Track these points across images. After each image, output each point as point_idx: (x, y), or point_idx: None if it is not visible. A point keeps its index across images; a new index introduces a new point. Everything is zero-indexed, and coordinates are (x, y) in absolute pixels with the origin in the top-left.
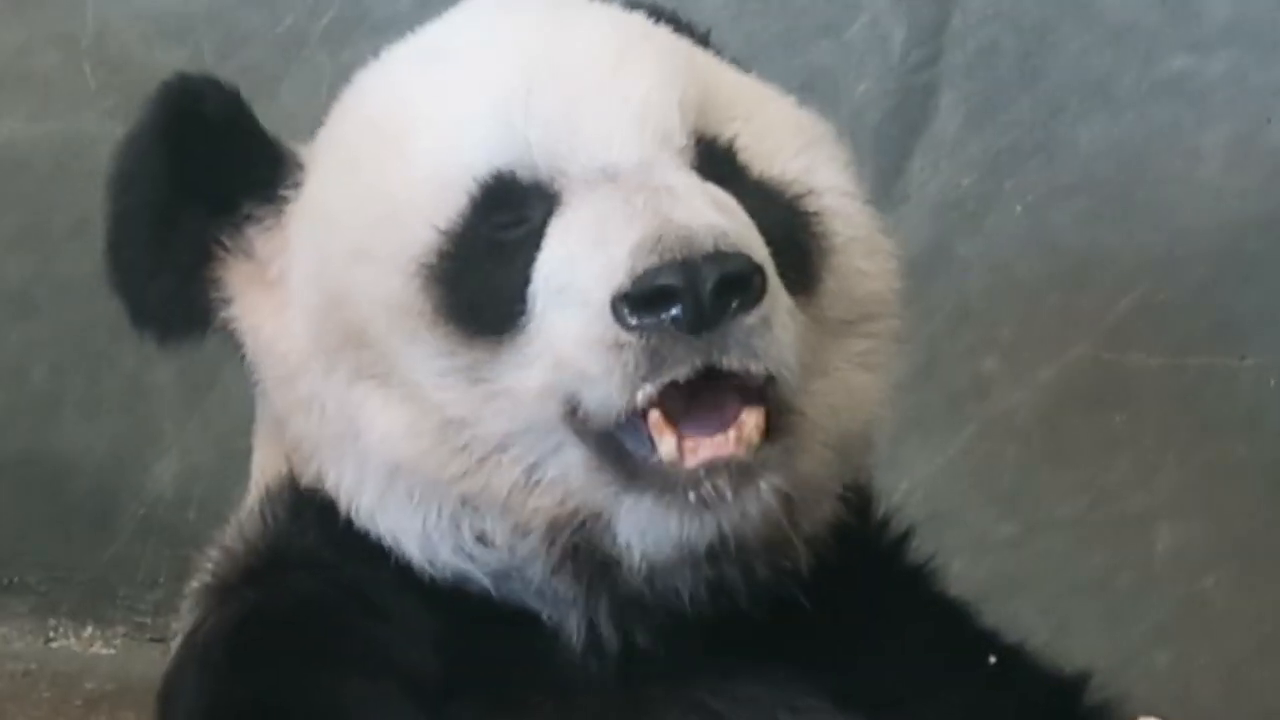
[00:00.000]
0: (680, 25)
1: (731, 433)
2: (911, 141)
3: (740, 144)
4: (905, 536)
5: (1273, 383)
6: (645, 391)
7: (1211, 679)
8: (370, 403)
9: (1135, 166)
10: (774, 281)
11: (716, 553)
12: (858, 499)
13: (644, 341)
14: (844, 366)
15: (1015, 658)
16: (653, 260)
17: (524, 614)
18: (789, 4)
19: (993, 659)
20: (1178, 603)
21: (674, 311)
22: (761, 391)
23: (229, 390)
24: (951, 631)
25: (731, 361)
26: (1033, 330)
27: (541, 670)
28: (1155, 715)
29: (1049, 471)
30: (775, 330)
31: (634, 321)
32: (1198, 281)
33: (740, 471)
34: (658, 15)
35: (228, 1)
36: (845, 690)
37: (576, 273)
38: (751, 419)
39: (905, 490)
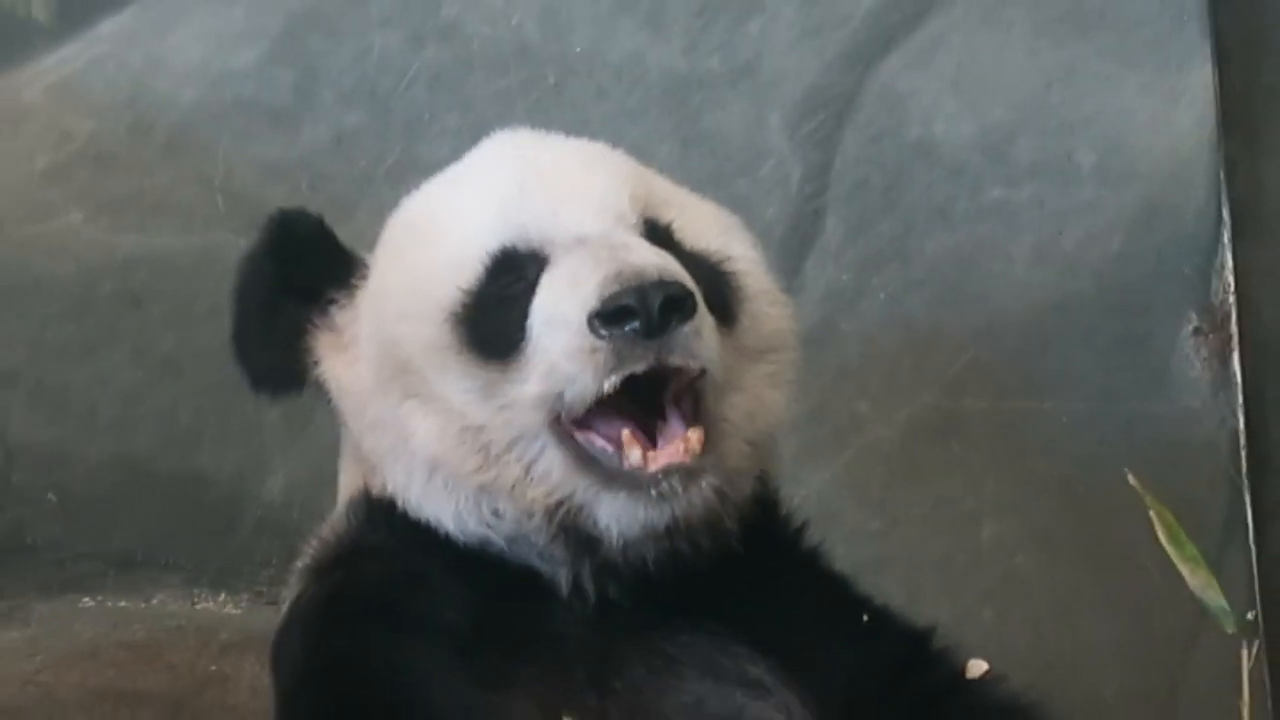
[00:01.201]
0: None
1: (680, 445)
2: (806, 250)
3: (675, 227)
4: (803, 528)
5: (1065, 420)
6: (611, 381)
7: (1022, 632)
8: (414, 416)
9: (966, 267)
10: (703, 306)
11: (672, 531)
12: (769, 502)
13: (611, 345)
14: (756, 383)
15: (883, 616)
16: (615, 288)
17: (530, 576)
18: (718, 151)
19: (866, 617)
20: (998, 577)
21: (633, 325)
22: (696, 400)
23: (320, 427)
24: (837, 596)
25: (675, 359)
26: (893, 384)
27: (542, 624)
28: (981, 658)
29: (905, 484)
30: (704, 337)
31: (604, 333)
32: (1012, 348)
33: (687, 474)
34: (612, 148)
35: (318, 152)
36: (760, 640)
37: (560, 305)
38: (694, 435)
39: (802, 497)
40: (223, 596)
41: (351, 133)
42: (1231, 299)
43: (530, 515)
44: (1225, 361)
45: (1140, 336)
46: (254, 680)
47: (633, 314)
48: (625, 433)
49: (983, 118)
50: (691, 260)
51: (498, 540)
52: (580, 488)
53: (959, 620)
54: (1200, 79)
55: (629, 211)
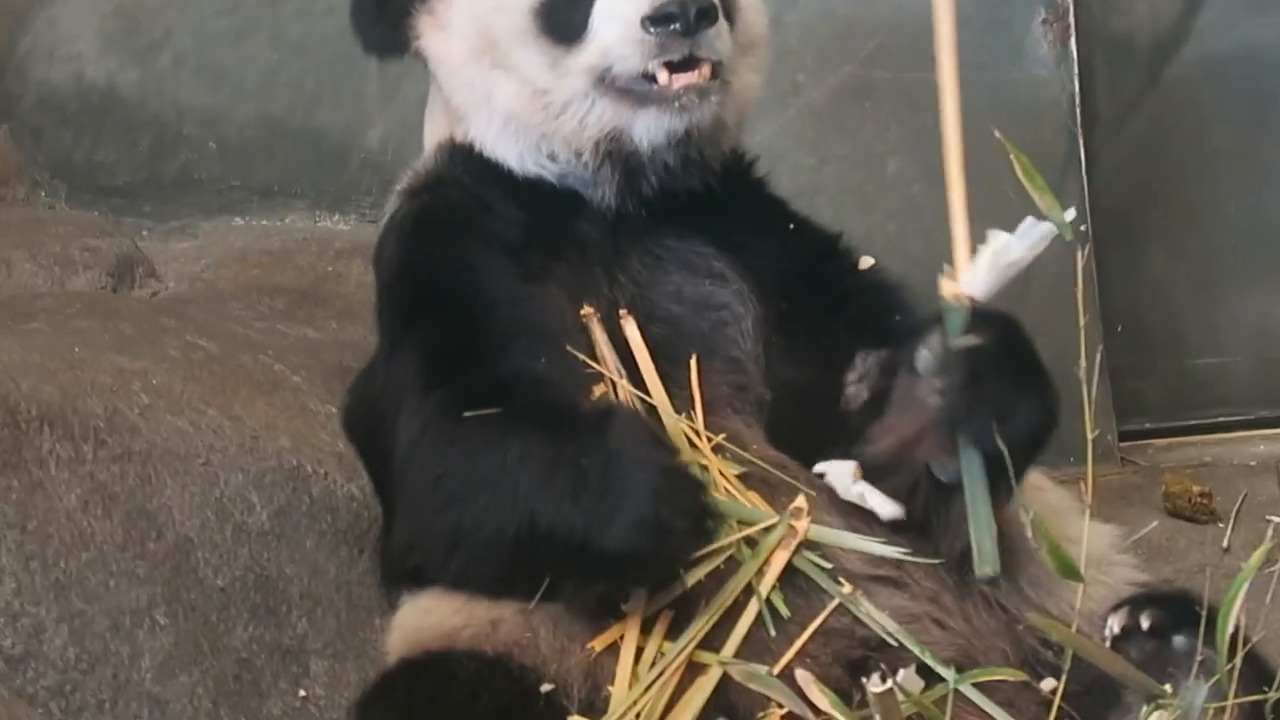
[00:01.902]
0: None
1: (695, 73)
2: None
3: None
4: (753, 162)
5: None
6: (653, 63)
7: (916, 241)
8: (497, 81)
9: None
10: (723, 17)
11: (688, 136)
12: (736, 149)
13: (656, 39)
14: (744, 69)
15: (806, 224)
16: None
17: (568, 201)
18: None
19: (792, 225)
20: (898, 200)
21: (674, 26)
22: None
23: (408, 94)
24: (775, 211)
25: (701, 53)
26: (823, 60)
27: (572, 236)
28: (871, 257)
29: (831, 132)
30: (723, 39)
31: (652, 30)
32: (911, 34)
33: (700, 92)
34: None
35: None
36: (722, 244)
37: (620, 7)
38: (706, 67)
39: (757, 142)
40: (336, 217)
41: None
42: None
43: (579, 154)
44: (1065, 43)
45: (1003, 23)
46: (359, 277)
47: (674, 18)
48: (655, 62)
49: None
50: None
51: (548, 176)
52: (622, 117)
53: (870, 232)
54: None
55: None
